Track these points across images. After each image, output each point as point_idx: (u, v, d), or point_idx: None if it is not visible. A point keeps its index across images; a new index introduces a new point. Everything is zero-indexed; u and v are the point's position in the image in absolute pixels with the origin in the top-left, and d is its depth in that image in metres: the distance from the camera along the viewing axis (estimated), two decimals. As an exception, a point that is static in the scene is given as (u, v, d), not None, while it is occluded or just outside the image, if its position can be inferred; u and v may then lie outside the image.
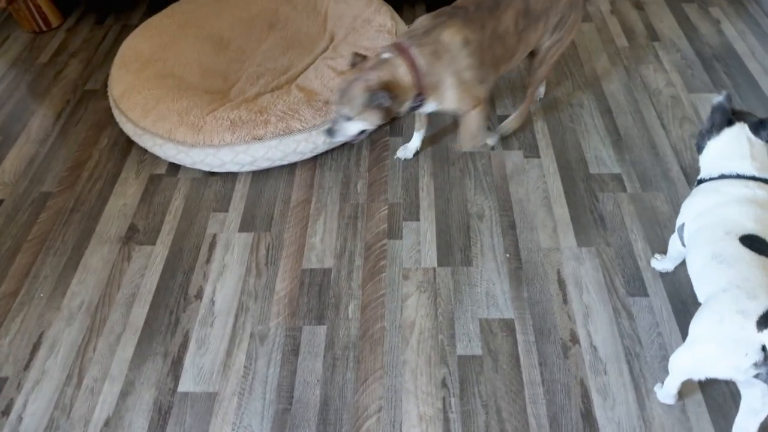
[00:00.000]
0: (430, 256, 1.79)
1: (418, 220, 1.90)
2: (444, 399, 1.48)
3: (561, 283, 1.70)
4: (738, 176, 1.34)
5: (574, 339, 1.57)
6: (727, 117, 1.38)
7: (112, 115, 2.34)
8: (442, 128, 2.19)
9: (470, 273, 1.74)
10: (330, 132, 1.71)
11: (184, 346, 1.62)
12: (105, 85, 2.49)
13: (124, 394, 1.53)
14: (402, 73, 1.60)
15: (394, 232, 1.87)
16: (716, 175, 1.38)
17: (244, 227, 1.91)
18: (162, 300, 1.73)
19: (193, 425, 1.46)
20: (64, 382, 1.57)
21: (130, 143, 2.22)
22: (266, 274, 1.77)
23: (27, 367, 1.61)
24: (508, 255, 1.77)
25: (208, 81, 2.28)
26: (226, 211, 1.97)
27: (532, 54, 1.89)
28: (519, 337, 1.59)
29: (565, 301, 1.66)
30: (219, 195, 2.02)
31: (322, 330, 1.63)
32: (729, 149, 1.38)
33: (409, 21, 2.63)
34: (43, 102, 2.47)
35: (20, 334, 1.68)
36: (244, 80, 2.30)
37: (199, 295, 1.73)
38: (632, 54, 2.49)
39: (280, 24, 2.57)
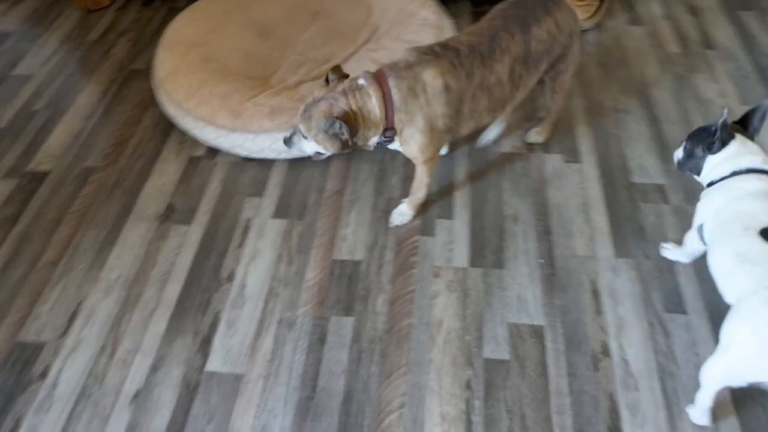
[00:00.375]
0: (461, 255, 1.78)
1: (451, 218, 1.88)
2: (467, 401, 1.46)
3: (595, 293, 1.66)
4: (749, 170, 1.35)
5: (606, 351, 1.54)
6: (729, 133, 1.41)
7: (155, 96, 2.38)
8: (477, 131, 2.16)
9: (502, 276, 1.72)
10: (286, 141, 1.63)
11: (213, 327, 1.65)
12: (150, 66, 2.54)
13: (154, 368, 1.57)
14: (372, 104, 1.48)
15: (426, 229, 1.85)
16: (727, 174, 1.38)
17: (277, 214, 1.93)
18: (195, 280, 1.76)
19: (218, 404, 1.49)
20: (98, 352, 1.61)
21: (171, 124, 2.26)
22: (297, 262, 1.79)
23: (64, 334, 1.66)
24: (542, 260, 1.74)
25: (250, 67, 2.30)
26: (261, 196, 1.99)
27: (541, 82, 1.78)
28: (548, 344, 1.56)
29: (598, 311, 1.62)
30: (255, 180, 2.04)
31: (349, 321, 1.64)
32: (735, 152, 1.39)
33: (454, 17, 2.60)
34: (90, 79, 2.54)
35: (59, 302, 1.73)
36: (286, 68, 2.31)
37: (230, 278, 1.76)
38: (684, 61, 2.40)
39: (323, 13, 2.57)
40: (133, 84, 2.48)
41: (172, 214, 1.95)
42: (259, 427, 1.44)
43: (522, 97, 1.70)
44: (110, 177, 2.09)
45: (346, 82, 1.51)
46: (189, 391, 1.52)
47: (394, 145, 1.63)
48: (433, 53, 1.51)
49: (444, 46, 1.54)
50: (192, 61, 2.23)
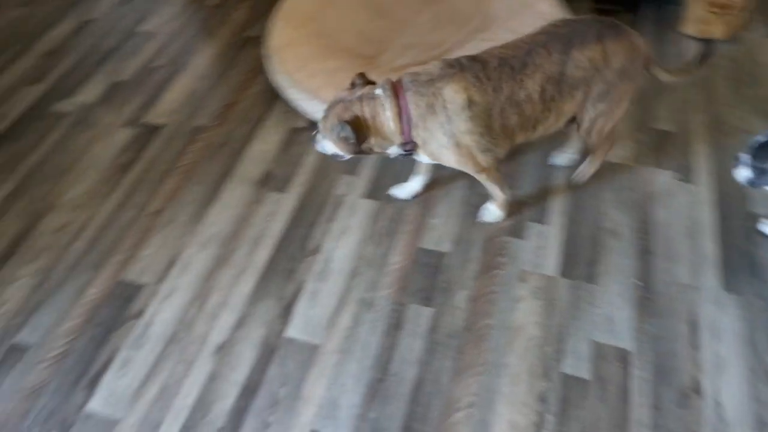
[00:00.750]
0: (551, 263, 1.71)
1: (544, 223, 1.82)
2: (540, 414, 1.42)
3: (693, 326, 1.55)
4: None
5: (697, 389, 1.43)
6: None
7: (265, 64, 2.46)
8: (589, 132, 2.05)
9: (592, 291, 1.64)
10: (314, 136, 1.61)
11: (296, 295, 1.70)
12: (265, 34, 2.62)
13: (238, 325, 1.65)
14: (386, 117, 1.44)
15: (517, 231, 1.80)
16: None
17: (369, 194, 1.95)
18: (284, 247, 1.82)
19: (293, 370, 1.54)
20: (189, 301, 1.71)
21: (277, 94, 2.33)
22: (383, 245, 1.80)
23: (161, 280, 1.78)
24: (638, 281, 1.65)
25: (360, 45, 2.32)
26: (355, 175, 2.01)
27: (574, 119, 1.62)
28: (634, 371, 1.48)
29: (694, 346, 1.51)
30: (351, 159, 2.06)
31: (428, 312, 1.63)
32: None
33: (574, 12, 2.47)
34: (209, 41, 2.66)
35: (160, 249, 1.86)
36: (394, 50, 2.30)
37: (317, 250, 1.80)
38: (832, 86, 2.16)
39: (438, -2, 2.53)
40: (247, 50, 2.58)
41: (270, 181, 2.02)
42: (329, 398, 1.48)
43: (556, 124, 1.56)
44: (217, 137, 2.20)
45: (366, 88, 1.48)
46: (267, 352, 1.58)
47: (423, 159, 1.58)
48: (459, 66, 1.44)
49: (473, 58, 1.46)
50: (305, 34, 2.28)
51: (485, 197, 1.89)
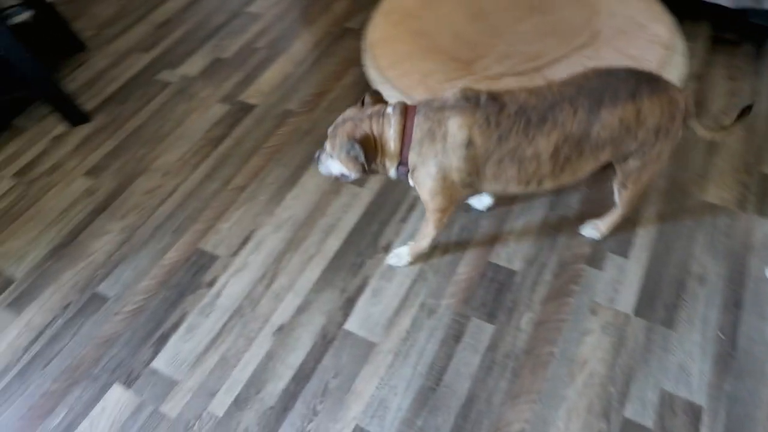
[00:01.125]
0: (627, 299, 1.63)
1: (626, 257, 1.72)
2: (594, 454, 1.36)
3: (779, 393, 1.42)
4: None
5: (775, 463, 1.32)
6: None
7: (360, 57, 2.49)
8: (682, 163, 1.93)
9: (668, 336, 1.54)
10: (317, 158, 1.55)
11: (360, 290, 1.71)
12: (363, 27, 2.65)
13: (300, 310, 1.68)
14: (390, 135, 1.39)
15: (595, 260, 1.72)
16: None
17: (445, 200, 1.93)
18: (354, 240, 1.84)
19: (347, 363, 1.56)
20: (258, 278, 1.77)
21: (369, 88, 2.34)
22: (452, 253, 1.78)
23: (235, 254, 1.85)
24: (722, 336, 1.53)
25: (457, 48, 2.29)
26: (434, 178, 2.00)
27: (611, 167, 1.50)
28: (702, 429, 1.38)
29: (778, 415, 1.39)
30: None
31: (489, 328, 1.60)
32: None
33: (688, 39, 2.32)
34: (309, 28, 2.72)
35: (237, 224, 1.93)
36: (492, 57, 2.26)
37: (387, 249, 1.81)
38: None
39: (543, 8, 2.45)
40: (344, 41, 2.62)
41: (349, 173, 2.05)
42: (378, 397, 1.49)
43: (571, 181, 1.46)
44: (305, 123, 2.25)
45: (377, 106, 1.43)
46: (325, 342, 1.61)
47: (411, 183, 1.50)
48: (475, 101, 1.35)
49: (494, 97, 1.36)
50: (403, 31, 2.28)
51: (565, 220, 1.82)
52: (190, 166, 2.15)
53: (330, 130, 1.46)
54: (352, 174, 1.49)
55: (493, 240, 1.80)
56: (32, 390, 1.60)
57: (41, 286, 1.84)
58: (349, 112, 1.45)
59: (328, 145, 1.48)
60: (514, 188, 1.45)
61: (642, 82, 1.33)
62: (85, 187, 2.13)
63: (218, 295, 1.74)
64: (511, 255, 1.76)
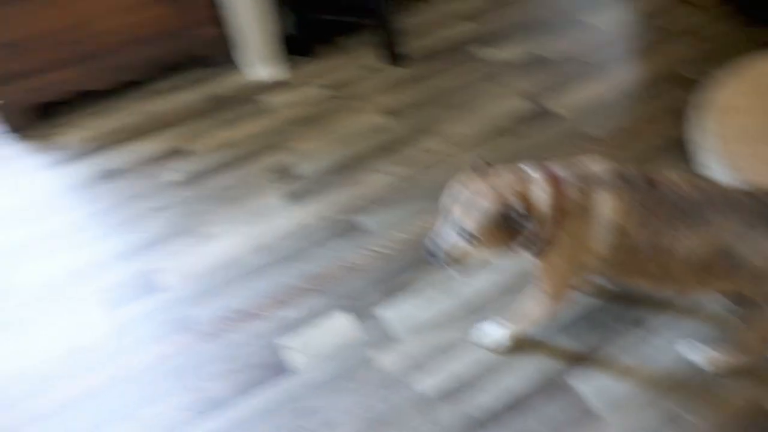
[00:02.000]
0: None
1: None
2: None
3: None
4: None
5: None
6: None
7: (684, 109, 2.22)
8: None
9: None
10: (428, 248, 1.25)
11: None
12: (701, 80, 2.37)
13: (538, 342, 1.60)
14: (543, 201, 1.17)
15: None
16: None
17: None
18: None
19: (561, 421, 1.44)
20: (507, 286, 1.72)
21: (680, 144, 2.09)
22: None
23: (486, 249, 1.81)
24: None
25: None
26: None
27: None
28: None
29: None
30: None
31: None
32: None
33: None
34: (641, 60, 2.54)
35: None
36: None
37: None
38: None
39: None
40: (672, 87, 2.37)
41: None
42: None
43: (694, 293, 1.38)
44: (598, 151, 2.10)
45: (508, 169, 1.22)
46: (545, 388, 1.50)
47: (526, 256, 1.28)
48: (632, 184, 1.18)
49: (652, 182, 1.18)
50: (759, 106, 1.98)
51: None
52: (468, 144, 2.17)
53: (452, 200, 1.20)
54: (489, 253, 1.24)
55: None
56: (278, 279, 1.77)
57: (316, 193, 2.02)
58: (476, 183, 1.19)
59: (465, 221, 1.17)
60: (636, 282, 1.34)
61: None
62: (378, 123, 2.28)
63: (463, 283, 1.72)
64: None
